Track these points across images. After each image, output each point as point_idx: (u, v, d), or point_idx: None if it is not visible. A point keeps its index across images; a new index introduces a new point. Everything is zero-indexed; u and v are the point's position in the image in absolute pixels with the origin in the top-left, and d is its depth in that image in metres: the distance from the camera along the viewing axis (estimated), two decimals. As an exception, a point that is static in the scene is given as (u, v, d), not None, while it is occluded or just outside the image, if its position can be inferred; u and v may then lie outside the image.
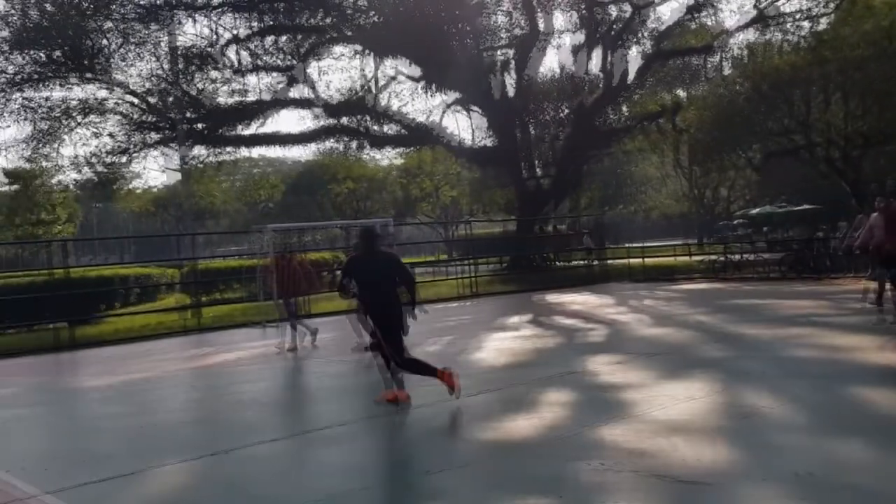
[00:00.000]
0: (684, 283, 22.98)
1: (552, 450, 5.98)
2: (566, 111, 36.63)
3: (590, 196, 48.55)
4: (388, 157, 49.06)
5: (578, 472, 5.36)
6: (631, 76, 33.78)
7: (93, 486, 5.87)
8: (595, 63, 34.99)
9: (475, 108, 35.89)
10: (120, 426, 8.15)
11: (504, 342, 12.42)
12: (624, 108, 37.61)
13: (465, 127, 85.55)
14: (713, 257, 25.97)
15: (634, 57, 34.22)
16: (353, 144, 35.33)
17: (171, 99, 29.51)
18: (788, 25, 32.67)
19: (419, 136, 34.45)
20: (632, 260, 28.21)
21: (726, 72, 36.74)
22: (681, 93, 40.35)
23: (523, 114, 35.27)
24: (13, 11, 27.50)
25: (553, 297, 20.74)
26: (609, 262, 28.53)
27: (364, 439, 6.91)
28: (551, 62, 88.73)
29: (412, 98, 36.60)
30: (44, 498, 5.65)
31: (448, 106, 36.53)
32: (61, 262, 17.97)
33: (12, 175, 42.27)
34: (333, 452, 6.49)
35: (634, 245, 33.33)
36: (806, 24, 31.77)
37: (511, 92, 33.64)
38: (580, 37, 34.41)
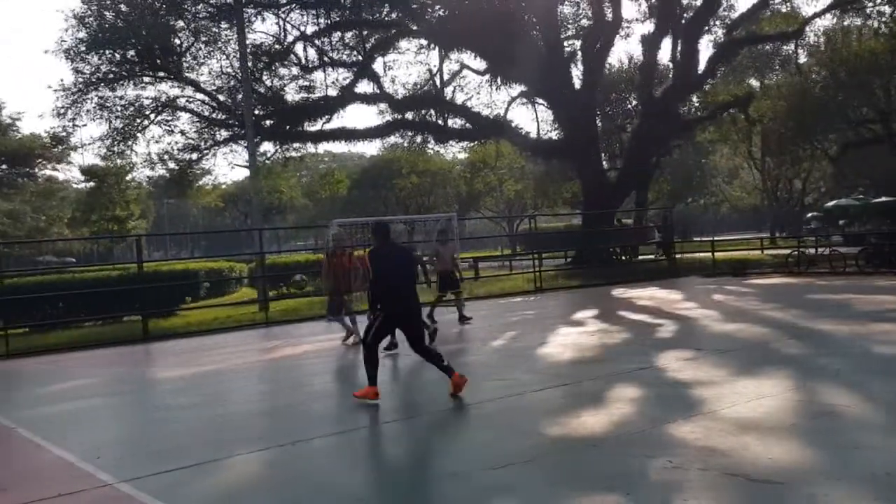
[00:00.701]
0: (756, 277, 22.45)
1: (620, 446, 5.93)
2: (634, 102, 36.13)
3: (658, 189, 47.80)
4: (452, 152, 49.20)
5: (647, 470, 5.31)
6: (702, 66, 33.12)
7: (167, 474, 6.06)
8: (665, 53, 34.44)
9: (541, 100, 35.69)
10: (193, 416, 8.38)
11: (570, 337, 12.34)
12: (695, 99, 36.91)
13: (531, 120, 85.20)
14: (786, 251, 25.33)
15: (706, 46, 33.59)
16: (418, 139, 35.54)
17: (240, 96, 30.11)
18: (868, 10, 31.59)
19: (484, 129, 34.40)
20: (702, 254, 27.69)
21: (802, 60, 35.77)
22: (754, 82, 39.45)
23: (591, 105, 34.94)
24: (90, 12, 28.42)
25: (620, 292, 20.51)
26: (678, 256, 28.05)
27: (427, 433, 6.96)
28: (620, 52, 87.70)
29: (478, 91, 36.60)
30: (119, 486, 5.85)
31: (514, 99, 36.43)
32: (136, 256, 18.53)
33: (89, 172, 43.68)
34: (397, 445, 6.56)
35: (704, 239, 32.73)
36: (887, 8, 30.65)
37: (578, 83, 33.34)
38: (650, 26, 33.90)
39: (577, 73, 33.68)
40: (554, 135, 35.94)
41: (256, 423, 7.96)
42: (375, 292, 8.44)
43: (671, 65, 33.96)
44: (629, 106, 37.02)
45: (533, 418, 7.03)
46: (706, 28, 33.58)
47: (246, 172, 45.63)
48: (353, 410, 8.05)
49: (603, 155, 37.16)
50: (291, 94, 32.09)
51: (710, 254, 26.51)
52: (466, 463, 5.75)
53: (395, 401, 8.43)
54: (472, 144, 41.97)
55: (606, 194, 32.61)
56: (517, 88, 34.72)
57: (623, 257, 32.18)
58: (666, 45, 33.61)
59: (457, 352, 11.96)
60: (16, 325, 18.56)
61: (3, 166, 35.63)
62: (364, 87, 33.16)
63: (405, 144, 36.82)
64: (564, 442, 6.19)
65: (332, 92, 32.42)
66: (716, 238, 33.21)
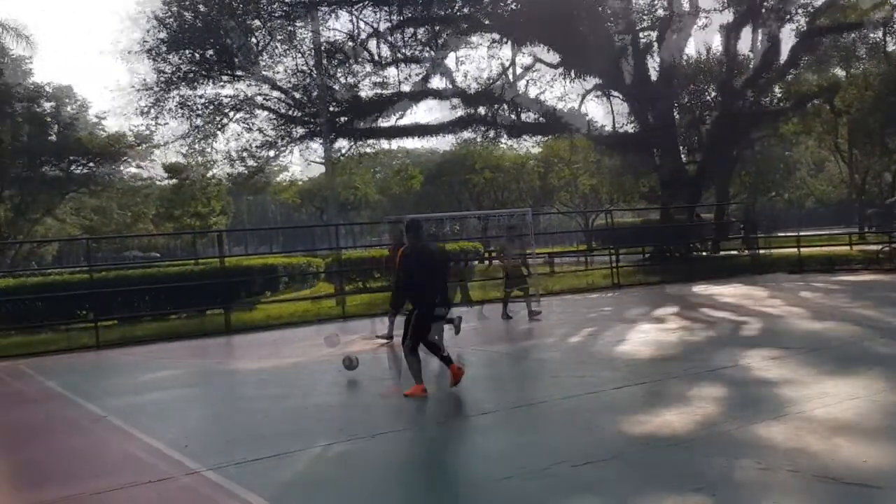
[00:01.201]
0: (844, 274, 21.72)
1: (704, 446, 5.82)
2: (713, 94, 35.31)
3: (739, 182, 46.61)
4: (525, 146, 48.88)
5: (733, 471, 5.20)
6: (784, 55, 32.12)
7: (251, 463, 6.21)
8: (744, 42, 33.51)
9: (616, 93, 35.16)
10: (275, 407, 8.56)
11: (649, 334, 12.16)
12: (776, 89, 35.84)
13: (605, 113, 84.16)
14: (877, 247, 24.41)
15: (787, 35, 32.52)
16: (490, 134, 35.42)
17: (314, 94, 30.57)
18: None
19: (557, 123, 34.08)
20: (786, 250, 26.90)
21: (890, 48, 34.38)
22: (839, 71, 38.10)
23: (667, 98, 34.25)
24: (170, 14, 29.28)
25: (701, 289, 20.09)
26: (761, 251, 27.32)
27: (507, 429, 6.95)
28: (697, 43, 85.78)
29: (550, 85, 36.22)
30: (206, 474, 6.03)
31: (587, 92, 35.94)
32: (217, 251, 19.01)
33: (171, 169, 45.05)
34: (476, 441, 6.58)
35: (789, 234, 31.71)
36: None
37: (654, 75, 32.74)
38: (728, 15, 33.03)
39: (653, 64, 33.06)
40: (630, 128, 35.34)
41: (336, 415, 8.09)
42: (405, 291, 8.50)
43: (751, 55, 33.03)
44: (708, 98, 36.15)
45: (612, 416, 6.95)
46: (787, 17, 32.56)
47: (322, 169, 46.31)
48: (430, 406, 8.11)
49: (681, 148, 36.37)
50: (365, 91, 32.42)
51: (795, 249, 25.75)
52: (545, 460, 5.73)
53: (471, 396, 8.45)
54: (545, 139, 41.67)
55: (685, 188, 31.97)
56: (591, 81, 34.29)
57: (703, 253, 31.51)
58: (747, 34, 32.73)
59: (531, 348, 11.94)
60: (106, 317, 19.28)
61: (91, 164, 36.97)
62: (436, 82, 33.23)
63: (478, 139, 36.76)
64: (646, 441, 6.11)
65: (405, 88, 32.64)
66: (801, 233, 32.19)
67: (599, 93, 36.14)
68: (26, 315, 19.64)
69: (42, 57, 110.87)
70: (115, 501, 5.58)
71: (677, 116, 36.47)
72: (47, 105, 36.20)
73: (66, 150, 35.35)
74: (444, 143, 56.30)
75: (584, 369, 9.41)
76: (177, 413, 8.80)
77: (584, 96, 36.28)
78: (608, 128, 36.59)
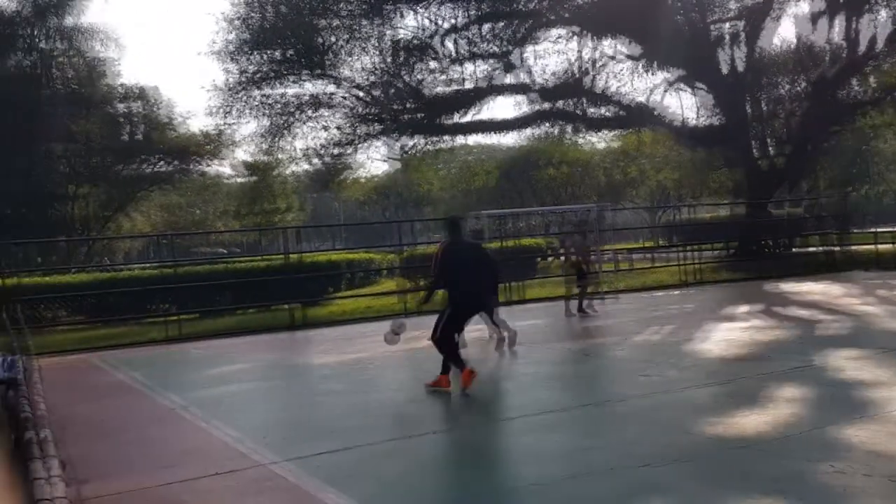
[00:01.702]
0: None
1: (783, 448, 5.80)
2: (803, 84, 34.40)
3: (830, 176, 45.27)
4: (593, 141, 48.45)
5: (807, 474, 5.19)
6: (880, 43, 30.99)
7: (326, 455, 6.44)
8: (837, 31, 32.54)
9: (700, 84, 34.53)
10: (347, 402, 8.82)
11: (732, 333, 12.02)
12: (871, 79, 34.68)
13: (682, 106, 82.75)
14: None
15: (884, 22, 31.39)
16: (569, 128, 35.17)
17: (392, 91, 30.87)
18: None
19: (638, 116, 33.62)
20: (880, 246, 26.07)
21: None
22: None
23: (754, 89, 33.52)
24: (252, 15, 30.03)
25: (788, 286, 19.67)
26: (853, 247, 26.58)
27: (573, 427, 7.01)
28: (786, 32, 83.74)
29: (631, 78, 35.64)
30: (284, 464, 6.27)
31: (670, 84, 35.29)
32: (294, 247, 19.41)
33: (252, 167, 46.27)
34: (544, 439, 6.64)
35: (883, 230, 30.65)
36: None
37: (741, 66, 32.06)
38: (820, 3, 32.12)
39: (739, 54, 32.34)
40: (714, 120, 34.64)
41: (407, 410, 8.30)
42: (443, 287, 8.67)
43: (844, 43, 32.04)
44: (798, 88, 35.24)
45: (683, 416, 6.96)
46: (884, 2, 31.43)
47: (398, 165, 46.81)
48: (496, 402, 8.21)
49: (769, 140, 35.62)
50: (442, 87, 32.54)
51: (890, 245, 24.99)
52: (618, 459, 5.78)
53: (539, 394, 8.52)
54: (625, 132, 41.08)
55: (763, 183, 31.32)
56: (675, 73, 33.73)
57: (777, 249, 30.83)
58: (840, 22, 31.70)
59: (600, 346, 11.92)
60: (188, 311, 19.98)
61: (176, 162, 38.31)
62: (511, 76, 33.14)
63: (555, 133, 36.51)
64: (718, 441, 6.11)
65: (482, 83, 32.62)
66: (879, 230, 31.15)
67: (678, 85, 35.48)
68: (103, 309, 20.46)
69: (131, 58, 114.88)
70: (205, 489, 5.86)
71: (765, 108, 35.69)
72: (135, 105, 37.59)
73: (150, 149, 36.76)
74: (514, 139, 55.98)
75: (655, 368, 9.40)
76: (253, 405, 9.13)
77: (666, 88, 35.64)
78: (693, 120, 35.97)
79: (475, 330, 12.99)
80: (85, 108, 35.12)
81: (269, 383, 10.86)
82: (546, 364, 10.72)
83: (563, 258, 17.44)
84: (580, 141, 43.17)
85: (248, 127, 33.62)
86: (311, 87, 32.03)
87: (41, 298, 19.68)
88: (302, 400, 9.45)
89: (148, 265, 31.16)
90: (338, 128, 32.40)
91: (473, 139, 50.41)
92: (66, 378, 12.34)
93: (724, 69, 31.17)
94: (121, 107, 37.51)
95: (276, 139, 32.39)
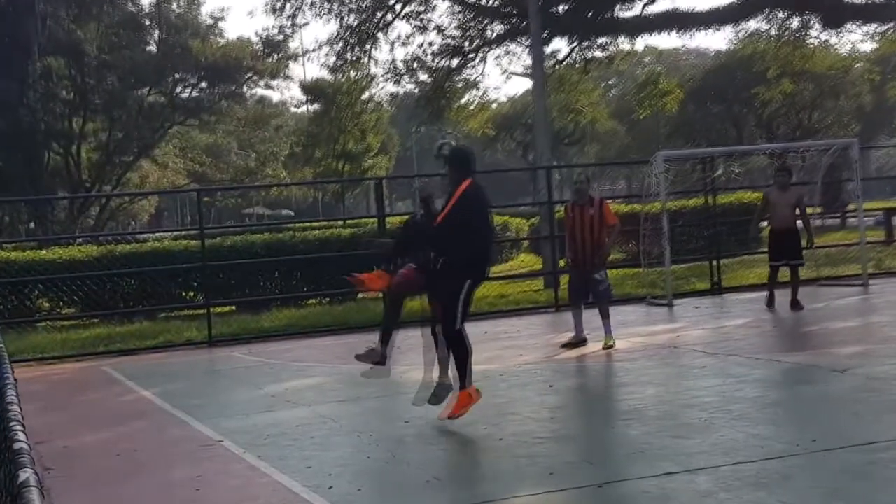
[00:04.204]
0: None
1: None
2: None
3: None
4: (850, 42, 46.59)
5: None
6: None
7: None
8: None
9: None
10: (468, 436, 8.85)
11: None
12: None
13: None
14: None
15: None
16: (794, 23, 33.94)
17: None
18: None
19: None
20: None
21: None
22: None
23: None
24: None
25: None
26: None
27: (809, 480, 6.88)
28: None
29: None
30: None
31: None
32: (375, 206, 19.48)
33: (313, 91, 45.92)
34: (764, 496, 6.44)
35: None
36: None
37: None
38: None
39: None
40: None
41: (555, 449, 8.25)
42: (454, 245, 8.73)
43: None
44: None
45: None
46: None
47: (528, 85, 46.05)
48: (687, 444, 8.01)
49: None
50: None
51: None
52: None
53: (746, 430, 8.26)
54: (885, 27, 39.29)
55: None
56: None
57: None
58: None
59: (848, 358, 11.49)
60: (221, 301, 20.48)
61: (203, 84, 38.49)
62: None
63: (773, 33, 35.28)
64: None
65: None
66: None
67: None
68: (114, 298, 21.03)
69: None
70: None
71: None
72: (145, 2, 37.94)
73: (168, 65, 36.94)
74: (718, 41, 54.55)
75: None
76: (317, 439, 9.18)
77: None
78: None
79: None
80: (96, 5, 35.49)
81: (360, 406, 10.77)
82: (768, 385, 10.60)
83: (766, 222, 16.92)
84: (829, 41, 41.37)
85: (311, 31, 33.61)
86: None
87: (33, 281, 20.45)
88: (396, 432, 9.40)
89: (181, 233, 31.76)
90: (438, 29, 31.96)
91: (657, 42, 49.45)
92: (64, 396, 12.83)
93: None
94: (146, 3, 37.89)
95: (351, 48, 32.05)
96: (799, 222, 15.98)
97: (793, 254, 15.82)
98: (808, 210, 16.44)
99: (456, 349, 9.02)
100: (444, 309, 9.07)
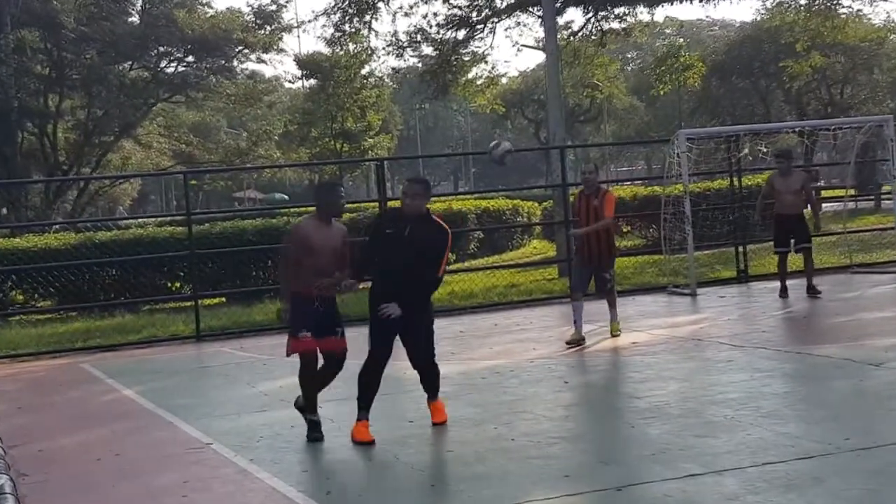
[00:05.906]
0: None
1: None
2: None
3: None
4: (884, 11, 46.60)
5: None
6: None
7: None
8: None
9: None
10: (477, 436, 8.86)
11: None
12: None
13: None
14: None
15: None
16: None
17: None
18: None
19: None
20: None
21: None
22: None
23: None
24: None
25: None
26: None
27: (841, 481, 6.84)
28: None
29: None
30: None
31: None
32: (376, 190, 19.49)
33: (309, 65, 46.01)
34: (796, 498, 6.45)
35: None
36: None
37: None
38: None
39: None
40: None
41: (571, 450, 8.30)
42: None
43: None
44: None
45: None
46: None
47: (540, 58, 46.03)
48: (713, 443, 8.02)
49: None
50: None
51: None
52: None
53: (772, 429, 8.27)
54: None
55: None
56: None
57: None
58: None
59: (886, 350, 11.49)
60: (210, 292, 20.51)
61: (190, 58, 38.50)
62: None
63: (802, 2, 35.27)
64: None
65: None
66: None
67: None
68: (94, 289, 21.08)
69: None
70: None
71: None
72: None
73: (152, 37, 36.97)
74: (744, 12, 54.56)
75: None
76: (312, 442, 9.18)
77: None
78: None
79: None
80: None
81: (346, 407, 10.81)
82: (798, 379, 10.69)
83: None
84: (862, 11, 41.34)
85: (305, 3, 33.61)
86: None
87: (5, 271, 20.59)
88: (403, 432, 9.42)
89: (167, 219, 31.81)
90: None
91: (678, 12, 49.55)
92: (40, 396, 12.88)
93: None
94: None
95: (350, 19, 31.98)
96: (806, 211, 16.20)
97: (799, 237, 15.98)
98: (840, 192, 16.49)
99: (436, 374, 9.38)
100: (421, 342, 9.28)
